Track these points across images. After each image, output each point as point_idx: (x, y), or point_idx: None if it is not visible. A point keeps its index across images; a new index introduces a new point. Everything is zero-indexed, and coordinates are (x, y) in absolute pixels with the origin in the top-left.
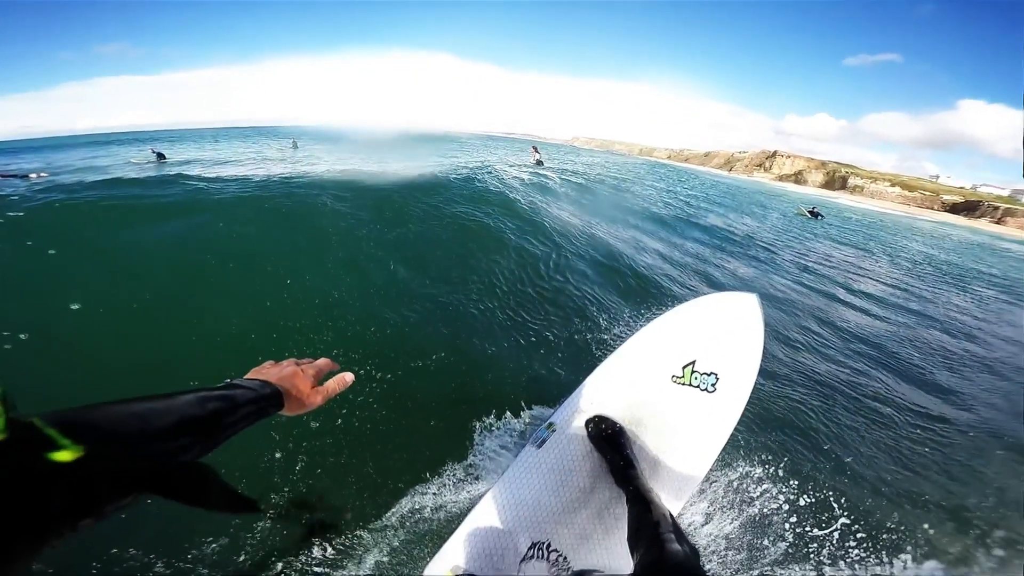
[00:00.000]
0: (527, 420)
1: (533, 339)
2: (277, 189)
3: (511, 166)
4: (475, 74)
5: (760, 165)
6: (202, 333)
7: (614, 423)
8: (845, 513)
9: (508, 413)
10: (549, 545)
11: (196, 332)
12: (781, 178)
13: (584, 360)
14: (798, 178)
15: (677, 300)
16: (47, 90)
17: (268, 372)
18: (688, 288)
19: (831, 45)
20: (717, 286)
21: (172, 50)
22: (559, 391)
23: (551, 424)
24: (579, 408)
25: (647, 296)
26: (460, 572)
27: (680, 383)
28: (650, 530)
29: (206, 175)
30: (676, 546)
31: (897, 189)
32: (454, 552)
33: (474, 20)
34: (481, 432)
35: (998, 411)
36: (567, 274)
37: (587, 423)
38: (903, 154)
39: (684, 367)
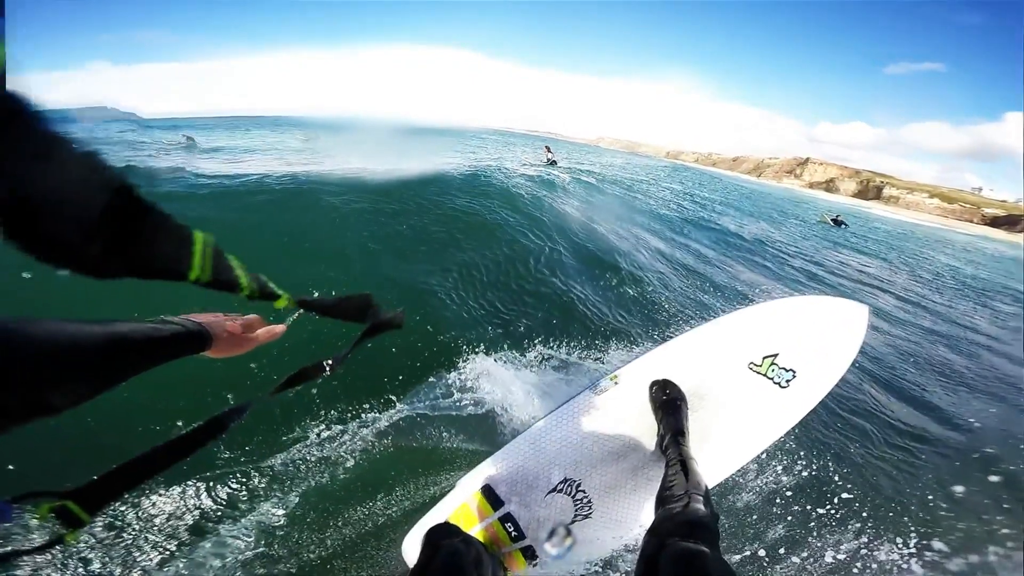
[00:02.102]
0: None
1: (500, 330)
2: (276, 182)
3: (523, 164)
4: (498, 70)
5: (790, 172)
6: (155, 309)
7: (679, 390)
8: (793, 527)
9: (443, 390)
10: (579, 485)
11: (148, 307)
12: (812, 185)
13: (550, 351)
14: (829, 186)
15: (666, 300)
16: (85, 69)
17: (197, 316)
18: (677, 291)
19: (872, 53)
20: (716, 289)
21: (205, 37)
22: (513, 381)
23: (615, 376)
24: (648, 368)
25: (633, 295)
26: (483, 485)
27: (755, 371)
28: (681, 491)
29: (214, 170)
30: (700, 506)
31: (936, 201)
32: (491, 466)
33: (499, 17)
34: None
35: (985, 432)
36: (556, 269)
37: (652, 384)
38: (945, 165)
39: (765, 357)
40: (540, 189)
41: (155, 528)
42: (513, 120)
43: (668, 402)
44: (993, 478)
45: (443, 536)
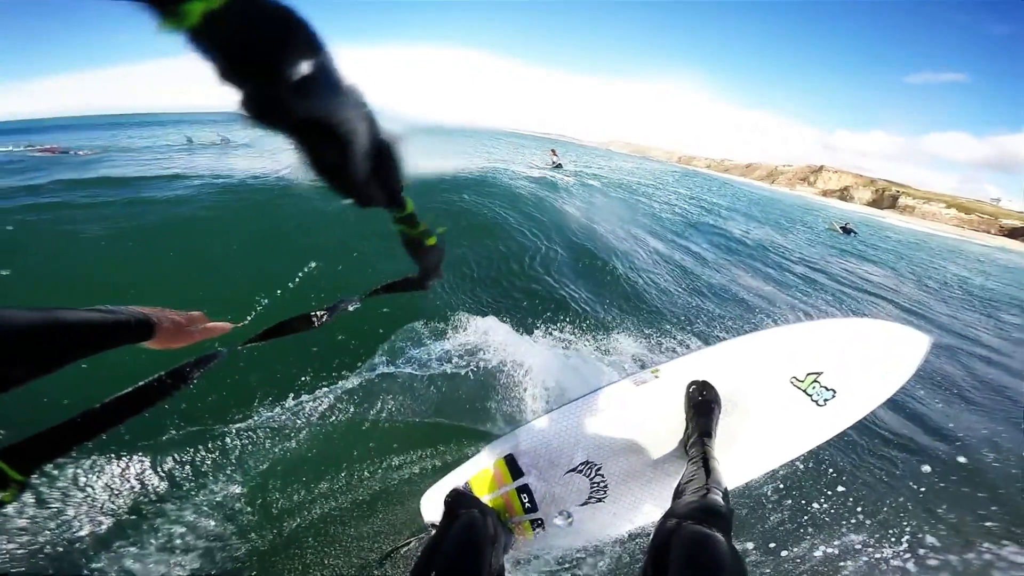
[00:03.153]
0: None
1: (487, 312)
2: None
3: (528, 167)
4: (506, 70)
5: (804, 179)
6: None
7: (715, 393)
8: (784, 522)
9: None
10: (599, 469)
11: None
12: (825, 193)
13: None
14: (843, 194)
15: (657, 300)
16: (131, 65)
17: (141, 307)
18: (667, 291)
19: (893, 61)
20: (712, 292)
21: None
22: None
23: (657, 370)
24: (690, 367)
25: (622, 293)
26: (507, 455)
27: (796, 385)
28: (700, 484)
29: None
30: (718, 497)
31: (953, 211)
32: (517, 437)
33: (506, 16)
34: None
35: (973, 443)
36: (549, 267)
37: (690, 384)
38: (964, 175)
39: (809, 374)
40: (542, 191)
41: (123, 497)
42: (522, 121)
43: (703, 403)
44: (981, 490)
45: (463, 505)
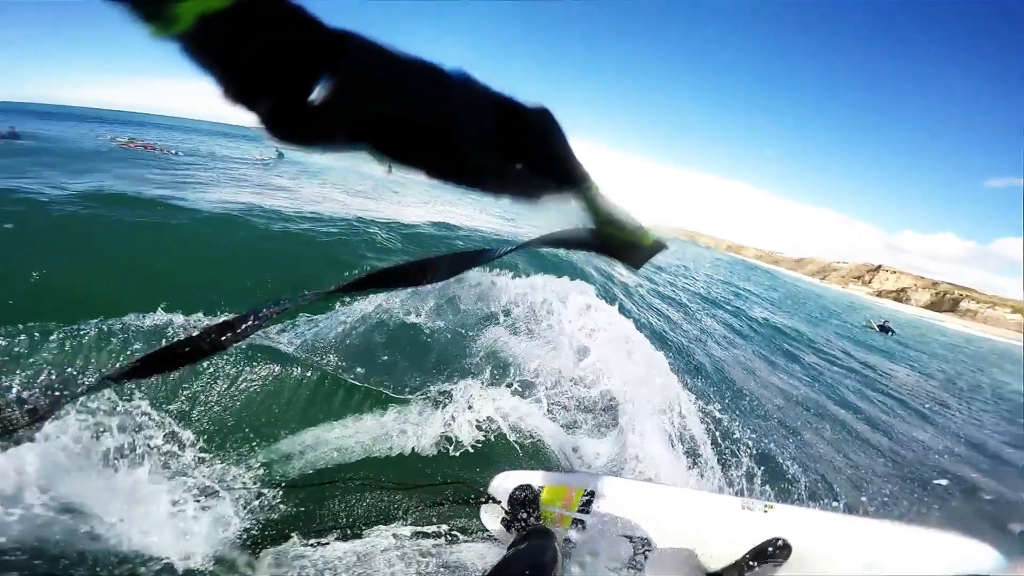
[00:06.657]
0: None
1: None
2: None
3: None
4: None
5: (859, 278)
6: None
7: (785, 556)
8: None
9: None
10: (650, 551)
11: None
12: (880, 294)
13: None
14: (900, 296)
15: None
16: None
17: None
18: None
19: (976, 165)
20: (714, 366)
21: None
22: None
23: (771, 506)
24: (804, 524)
25: None
26: (592, 490)
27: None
28: None
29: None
30: None
31: (1018, 316)
32: (609, 484)
33: (575, 100)
34: None
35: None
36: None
37: (778, 539)
38: None
39: None
40: (562, 262)
41: None
42: None
43: (766, 555)
44: None
45: (539, 536)
